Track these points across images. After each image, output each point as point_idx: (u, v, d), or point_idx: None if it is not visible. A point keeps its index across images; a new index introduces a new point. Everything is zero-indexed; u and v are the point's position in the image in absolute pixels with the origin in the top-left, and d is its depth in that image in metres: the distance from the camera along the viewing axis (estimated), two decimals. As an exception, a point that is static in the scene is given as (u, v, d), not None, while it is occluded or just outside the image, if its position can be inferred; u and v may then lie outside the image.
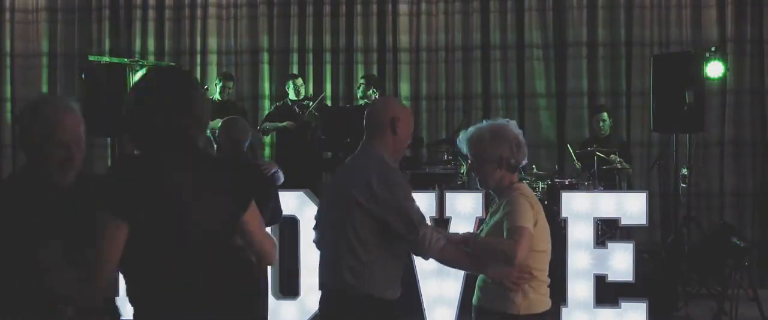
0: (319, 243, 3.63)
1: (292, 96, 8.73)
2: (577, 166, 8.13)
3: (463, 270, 3.46)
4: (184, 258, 2.32)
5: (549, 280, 3.53)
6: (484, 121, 3.58)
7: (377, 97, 8.29)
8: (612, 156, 7.78)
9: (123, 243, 2.24)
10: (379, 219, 3.31)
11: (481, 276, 3.55)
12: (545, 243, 3.47)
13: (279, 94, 9.39)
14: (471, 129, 3.56)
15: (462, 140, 3.57)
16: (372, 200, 3.28)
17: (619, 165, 7.76)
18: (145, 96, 2.41)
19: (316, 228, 3.66)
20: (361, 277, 3.33)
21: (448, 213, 5.43)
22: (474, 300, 3.57)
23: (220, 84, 8.66)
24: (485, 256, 3.35)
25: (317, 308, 3.62)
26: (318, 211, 3.73)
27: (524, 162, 3.55)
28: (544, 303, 3.46)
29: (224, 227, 2.42)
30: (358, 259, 3.32)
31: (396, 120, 3.45)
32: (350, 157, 3.56)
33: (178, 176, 2.33)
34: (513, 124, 3.54)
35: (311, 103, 8.66)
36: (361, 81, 8.55)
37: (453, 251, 3.37)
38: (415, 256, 4.50)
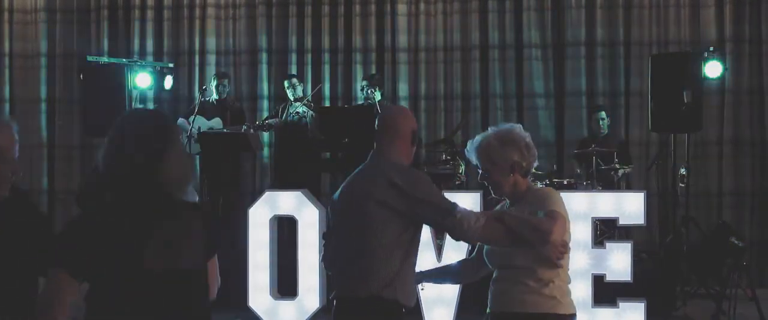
0: (328, 260, 3.52)
1: (289, 96, 8.75)
2: (577, 171, 8.14)
3: (506, 246, 3.34)
4: (139, 299, 2.40)
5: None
6: (490, 129, 3.51)
7: (379, 96, 8.27)
8: (618, 166, 7.76)
9: (69, 289, 2.39)
10: (409, 215, 3.27)
11: (494, 281, 3.47)
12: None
13: (277, 94, 9.40)
14: (477, 138, 3.48)
15: (470, 150, 3.50)
16: (398, 197, 3.25)
17: (617, 165, 7.77)
18: (118, 143, 2.45)
19: (325, 245, 3.57)
20: (387, 285, 3.28)
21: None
22: (491, 305, 3.44)
23: (216, 82, 8.67)
24: (522, 231, 3.21)
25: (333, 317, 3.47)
26: (327, 228, 3.65)
27: (535, 164, 3.48)
28: (573, 306, 3.42)
29: (192, 267, 2.49)
30: (383, 267, 3.27)
31: (409, 128, 3.46)
32: (360, 166, 3.50)
33: (136, 225, 2.39)
34: (519, 128, 3.48)
35: (303, 107, 8.61)
36: (364, 83, 8.51)
37: (496, 227, 3.24)
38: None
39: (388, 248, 3.27)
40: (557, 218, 3.21)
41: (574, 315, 3.38)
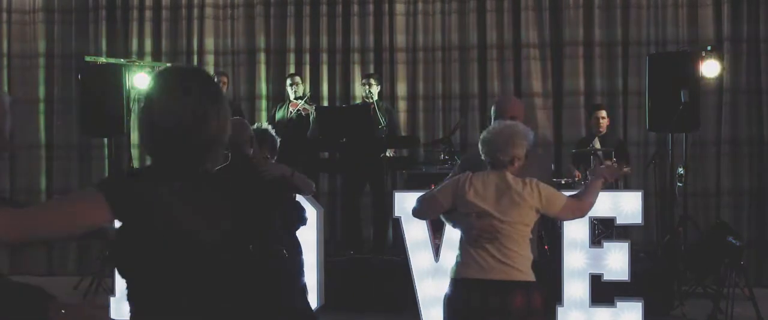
0: None
1: (290, 94, 8.75)
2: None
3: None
4: (175, 265, 2.31)
5: (489, 249, 3.69)
6: None
7: (374, 88, 8.25)
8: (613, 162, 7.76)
9: (88, 220, 2.19)
10: None
11: None
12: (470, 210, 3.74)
13: (276, 94, 9.40)
14: None
15: None
16: None
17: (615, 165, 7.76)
18: (152, 102, 2.27)
19: None
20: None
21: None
22: None
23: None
24: None
25: None
26: None
27: (489, 157, 3.79)
28: (461, 272, 3.76)
29: (225, 238, 2.41)
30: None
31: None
32: None
33: (170, 194, 2.27)
34: (493, 126, 3.87)
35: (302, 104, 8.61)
36: (363, 80, 8.52)
37: None
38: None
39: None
40: (422, 199, 3.92)
41: (453, 280, 3.81)
